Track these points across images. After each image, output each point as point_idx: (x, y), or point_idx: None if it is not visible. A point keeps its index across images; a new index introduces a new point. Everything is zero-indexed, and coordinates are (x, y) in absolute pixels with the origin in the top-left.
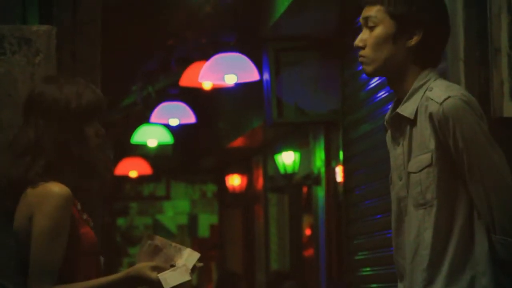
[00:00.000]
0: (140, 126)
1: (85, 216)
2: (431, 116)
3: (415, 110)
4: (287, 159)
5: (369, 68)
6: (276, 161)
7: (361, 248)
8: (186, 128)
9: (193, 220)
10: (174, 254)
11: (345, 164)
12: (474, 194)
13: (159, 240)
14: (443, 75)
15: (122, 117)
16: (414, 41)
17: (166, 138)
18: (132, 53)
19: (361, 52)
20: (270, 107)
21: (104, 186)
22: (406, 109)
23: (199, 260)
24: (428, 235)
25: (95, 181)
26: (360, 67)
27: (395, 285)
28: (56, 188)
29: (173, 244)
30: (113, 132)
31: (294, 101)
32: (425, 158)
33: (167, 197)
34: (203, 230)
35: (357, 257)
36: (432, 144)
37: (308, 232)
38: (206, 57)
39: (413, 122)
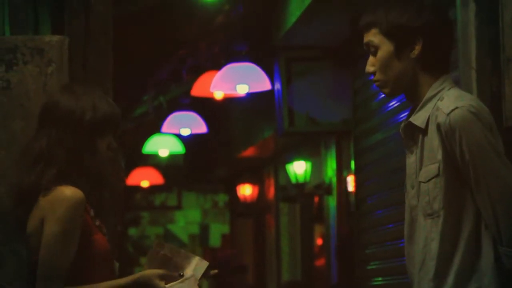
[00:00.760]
0: (152, 136)
1: (97, 223)
2: (438, 126)
3: (426, 119)
4: (299, 168)
5: (386, 91)
6: (288, 171)
7: (373, 258)
8: (197, 138)
9: (204, 229)
10: (183, 262)
11: (357, 173)
12: (480, 205)
13: (168, 248)
14: (455, 84)
15: (133, 126)
16: (417, 50)
17: (178, 148)
18: (144, 63)
19: (374, 78)
20: (282, 116)
21: (115, 197)
22: (419, 119)
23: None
24: (434, 246)
25: (105, 191)
26: (372, 76)
27: None
28: (69, 191)
29: (182, 252)
30: (125, 141)
31: (306, 110)
32: (433, 168)
33: (179, 206)
34: (215, 240)
35: (369, 267)
36: (439, 155)
37: (319, 241)
38: (217, 67)
39: (424, 131)
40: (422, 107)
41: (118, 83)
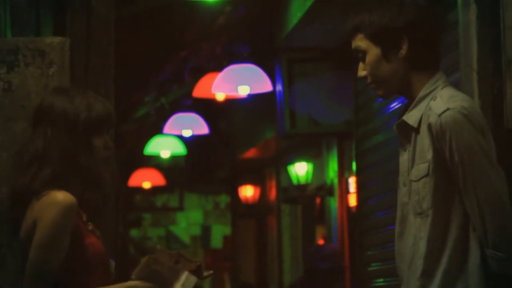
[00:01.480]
0: (153, 137)
1: (90, 227)
2: (430, 127)
3: (419, 118)
4: (300, 170)
5: (380, 92)
6: (289, 172)
7: (375, 259)
8: (199, 139)
9: (206, 231)
10: (172, 278)
11: (358, 175)
12: (468, 208)
13: (160, 264)
14: (457, 86)
15: (135, 128)
16: (404, 50)
17: (179, 149)
18: (145, 64)
19: (368, 81)
20: (283, 118)
21: (109, 199)
22: (411, 117)
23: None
24: (422, 245)
25: (99, 193)
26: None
27: None
28: (61, 196)
29: (173, 267)
30: (127, 143)
31: (307, 112)
32: (423, 167)
33: (180, 208)
34: (216, 241)
35: (370, 268)
36: (429, 155)
37: (321, 243)
38: (219, 68)
39: (416, 130)
40: (415, 106)
41: (119, 85)
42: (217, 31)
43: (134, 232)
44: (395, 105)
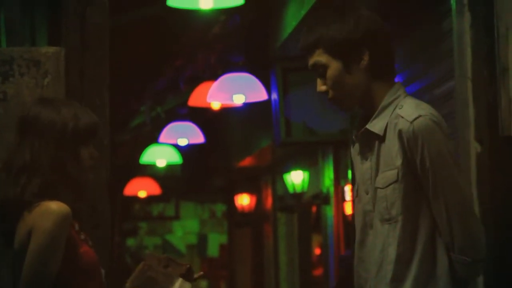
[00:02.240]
0: (149, 146)
1: (83, 236)
2: (400, 133)
3: (384, 126)
4: (296, 178)
5: (343, 106)
6: (285, 181)
7: None
8: (195, 148)
9: (202, 239)
10: (166, 284)
11: (354, 183)
12: (435, 213)
13: (154, 270)
14: (451, 94)
15: (131, 137)
16: (365, 61)
17: (175, 158)
18: (141, 74)
19: (329, 96)
20: (279, 126)
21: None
22: (376, 126)
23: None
24: (392, 250)
25: (85, 202)
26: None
27: None
28: (55, 205)
29: (167, 272)
30: (122, 152)
31: (303, 120)
32: (391, 174)
33: (176, 217)
34: (213, 250)
35: None
36: (398, 161)
37: (317, 251)
38: (214, 77)
39: (381, 138)
40: (378, 115)
41: (115, 94)
42: (212, 40)
43: (130, 241)
44: None
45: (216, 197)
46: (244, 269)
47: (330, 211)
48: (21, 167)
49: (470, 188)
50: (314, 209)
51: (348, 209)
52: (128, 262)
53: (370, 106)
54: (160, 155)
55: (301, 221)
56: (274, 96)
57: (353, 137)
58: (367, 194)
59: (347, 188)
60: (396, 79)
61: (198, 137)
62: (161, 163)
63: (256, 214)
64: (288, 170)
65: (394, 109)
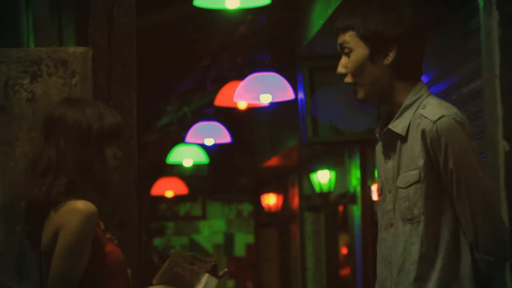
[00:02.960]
0: (176, 146)
1: (108, 235)
2: (423, 133)
3: (406, 126)
4: (323, 178)
5: (360, 95)
6: (312, 180)
7: None
8: (221, 147)
9: (229, 239)
10: (193, 280)
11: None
12: (459, 212)
13: (180, 266)
14: (479, 93)
15: (157, 137)
16: (390, 57)
17: (202, 158)
18: (168, 74)
19: (346, 79)
20: (305, 126)
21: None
22: (398, 126)
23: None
24: (415, 250)
25: (110, 201)
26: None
27: None
28: (81, 204)
29: (194, 269)
30: (149, 152)
31: (329, 120)
32: (413, 174)
33: (203, 216)
34: (239, 249)
35: None
36: (420, 161)
37: (344, 251)
38: (241, 76)
39: (404, 138)
40: (401, 114)
41: (142, 94)
42: (238, 39)
43: (157, 241)
44: None
45: (242, 197)
46: (270, 268)
47: (357, 211)
48: (46, 166)
49: (498, 186)
50: (341, 208)
51: (375, 208)
52: (155, 262)
53: (393, 104)
54: (187, 155)
55: (328, 221)
56: (301, 95)
57: (377, 135)
58: (389, 193)
59: (374, 188)
60: (421, 78)
61: (224, 137)
62: (187, 163)
63: (282, 214)
64: (314, 169)
65: (417, 108)
